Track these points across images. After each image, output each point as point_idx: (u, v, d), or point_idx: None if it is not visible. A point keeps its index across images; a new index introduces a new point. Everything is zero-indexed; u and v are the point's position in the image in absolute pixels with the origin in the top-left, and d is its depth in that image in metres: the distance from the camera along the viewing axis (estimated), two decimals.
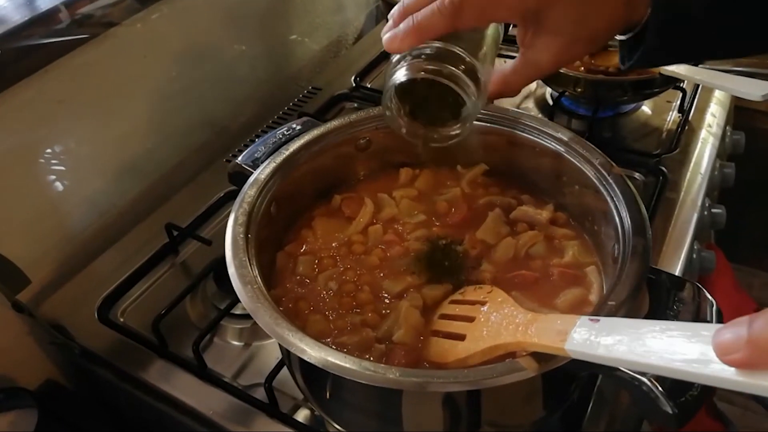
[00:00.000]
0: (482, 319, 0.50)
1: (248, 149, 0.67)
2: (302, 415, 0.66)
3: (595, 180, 0.59)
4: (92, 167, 0.91)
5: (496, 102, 1.04)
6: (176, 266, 0.87)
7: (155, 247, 0.87)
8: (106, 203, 0.93)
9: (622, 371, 0.41)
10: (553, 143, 0.63)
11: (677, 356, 0.33)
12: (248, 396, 0.68)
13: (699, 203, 0.88)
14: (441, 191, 0.69)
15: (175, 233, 0.86)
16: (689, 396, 0.42)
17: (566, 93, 0.99)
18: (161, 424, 0.73)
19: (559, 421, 0.58)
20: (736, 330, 0.29)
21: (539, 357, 0.43)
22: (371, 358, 0.52)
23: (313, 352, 0.44)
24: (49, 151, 0.84)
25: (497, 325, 0.48)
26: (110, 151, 0.93)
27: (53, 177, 0.86)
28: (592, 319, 0.40)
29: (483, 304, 0.52)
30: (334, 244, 0.63)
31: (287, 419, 0.66)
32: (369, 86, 1.17)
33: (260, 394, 0.67)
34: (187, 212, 0.91)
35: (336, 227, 0.65)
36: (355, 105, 1.13)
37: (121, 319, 0.79)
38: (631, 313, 0.47)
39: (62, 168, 0.86)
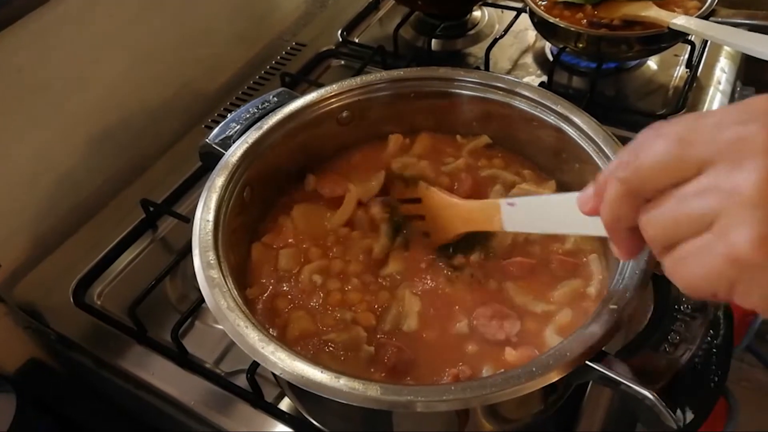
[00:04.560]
0: (432, 216, 0.58)
1: (219, 126, 0.62)
2: (287, 404, 0.64)
3: (596, 158, 0.54)
4: (64, 140, 0.85)
5: (492, 67, 0.98)
6: (156, 242, 0.82)
7: (132, 222, 0.82)
8: (82, 177, 0.88)
9: (627, 386, 0.39)
10: (552, 116, 0.58)
11: (569, 222, 0.42)
12: (231, 384, 0.65)
13: None
14: (443, 160, 0.64)
15: (151, 209, 0.82)
16: (695, 405, 0.39)
17: (567, 48, 0.92)
18: (144, 410, 0.71)
19: (554, 421, 0.55)
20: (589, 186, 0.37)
21: None
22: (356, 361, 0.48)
23: (286, 366, 0.40)
24: (15, 124, 0.78)
25: (445, 220, 0.57)
26: (82, 121, 0.86)
27: (22, 152, 0.80)
28: (509, 203, 0.49)
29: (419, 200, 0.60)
30: (317, 232, 0.59)
31: (271, 409, 0.63)
32: (357, 41, 1.09)
33: (244, 380, 0.64)
34: (165, 185, 0.86)
35: (317, 213, 0.60)
36: (342, 63, 1.06)
37: (98, 302, 0.75)
38: (636, 313, 0.43)
39: (32, 142, 0.81)
